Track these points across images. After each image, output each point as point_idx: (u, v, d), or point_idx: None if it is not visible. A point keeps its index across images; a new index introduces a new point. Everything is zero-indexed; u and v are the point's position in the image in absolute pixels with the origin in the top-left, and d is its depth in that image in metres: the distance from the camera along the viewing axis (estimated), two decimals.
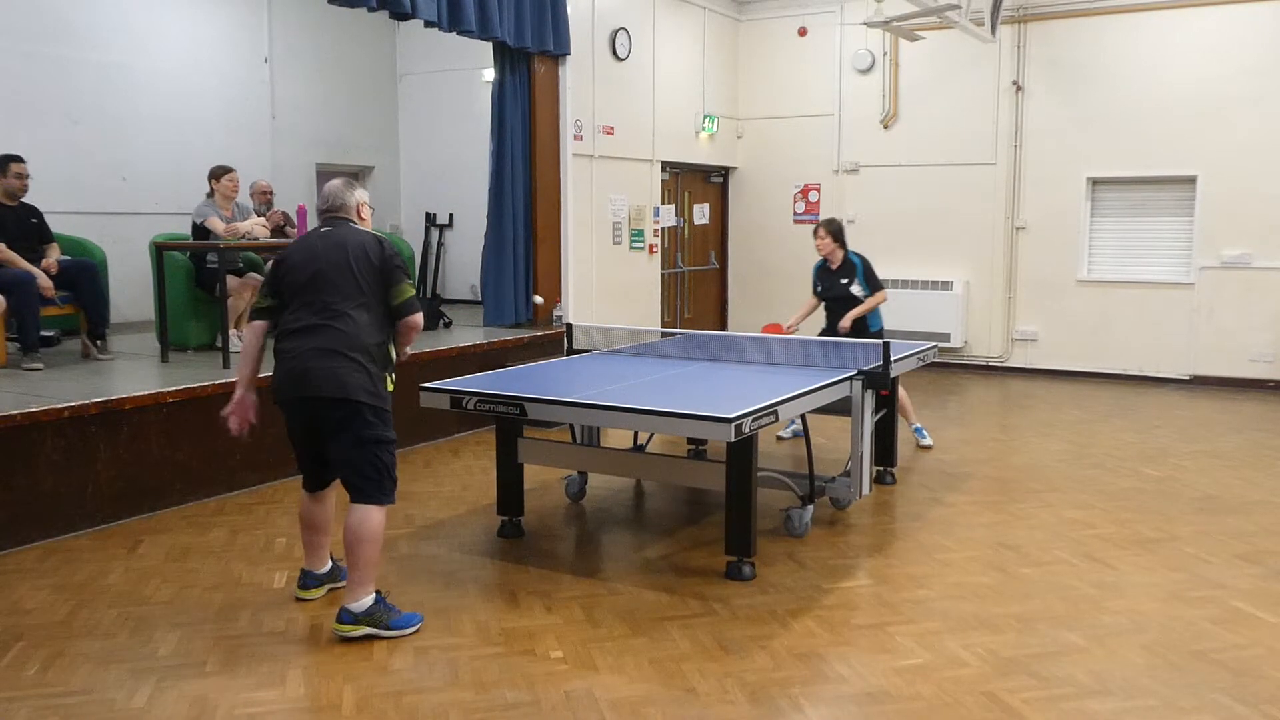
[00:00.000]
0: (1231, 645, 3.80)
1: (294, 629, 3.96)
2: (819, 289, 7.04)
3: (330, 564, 4.32)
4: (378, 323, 3.95)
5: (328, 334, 3.86)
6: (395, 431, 4.00)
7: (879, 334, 6.83)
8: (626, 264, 9.80)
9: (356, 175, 11.59)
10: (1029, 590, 4.38)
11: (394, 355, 4.05)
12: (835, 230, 6.87)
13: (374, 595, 3.90)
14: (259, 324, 4.08)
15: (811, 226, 10.89)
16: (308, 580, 4.28)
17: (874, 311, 6.88)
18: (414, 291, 4.03)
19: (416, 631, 3.92)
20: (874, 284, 6.85)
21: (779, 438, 7.19)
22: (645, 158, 9.99)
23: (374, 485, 3.89)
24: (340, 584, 4.23)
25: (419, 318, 4.03)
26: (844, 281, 6.84)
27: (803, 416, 5.19)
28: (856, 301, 6.79)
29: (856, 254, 6.95)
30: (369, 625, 3.85)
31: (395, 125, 11.81)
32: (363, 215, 4.17)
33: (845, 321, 6.74)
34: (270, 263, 4.17)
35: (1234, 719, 3.25)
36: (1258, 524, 5.30)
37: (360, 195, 4.18)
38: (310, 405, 3.88)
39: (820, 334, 7.05)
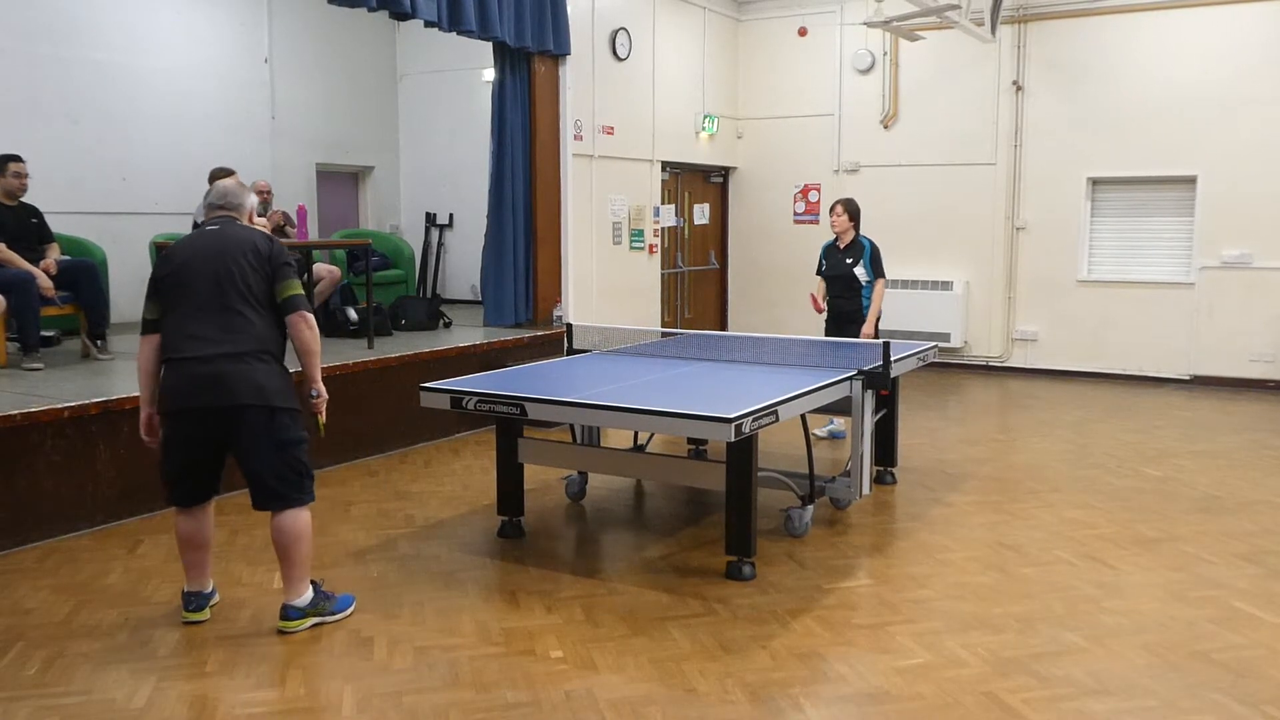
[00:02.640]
0: (1231, 645, 3.80)
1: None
2: (823, 267, 7.11)
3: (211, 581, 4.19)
4: (275, 321, 3.89)
5: (234, 336, 3.76)
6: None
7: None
8: (626, 264, 9.80)
9: (356, 175, 11.61)
10: (1029, 590, 4.38)
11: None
12: (853, 210, 7.03)
13: (312, 587, 3.97)
14: (154, 338, 3.88)
15: (807, 226, 11.19)
16: (201, 602, 4.05)
17: (870, 296, 6.98)
18: (301, 290, 3.94)
19: (353, 612, 4.06)
20: (877, 270, 6.96)
21: (816, 435, 7.11)
22: (645, 158, 9.98)
23: (297, 488, 3.88)
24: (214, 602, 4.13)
25: (309, 314, 3.90)
26: (849, 261, 6.96)
27: (803, 417, 5.17)
28: (856, 281, 6.91)
29: (867, 238, 7.07)
30: (315, 616, 3.94)
31: (395, 125, 11.81)
32: (252, 221, 4.11)
33: (868, 328, 6.87)
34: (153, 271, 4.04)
35: (1234, 719, 3.25)
36: (1258, 524, 5.30)
37: (253, 201, 4.14)
38: (216, 414, 3.77)
39: (826, 319, 7.15)
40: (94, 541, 5.03)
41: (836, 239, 7.10)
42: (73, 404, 5.12)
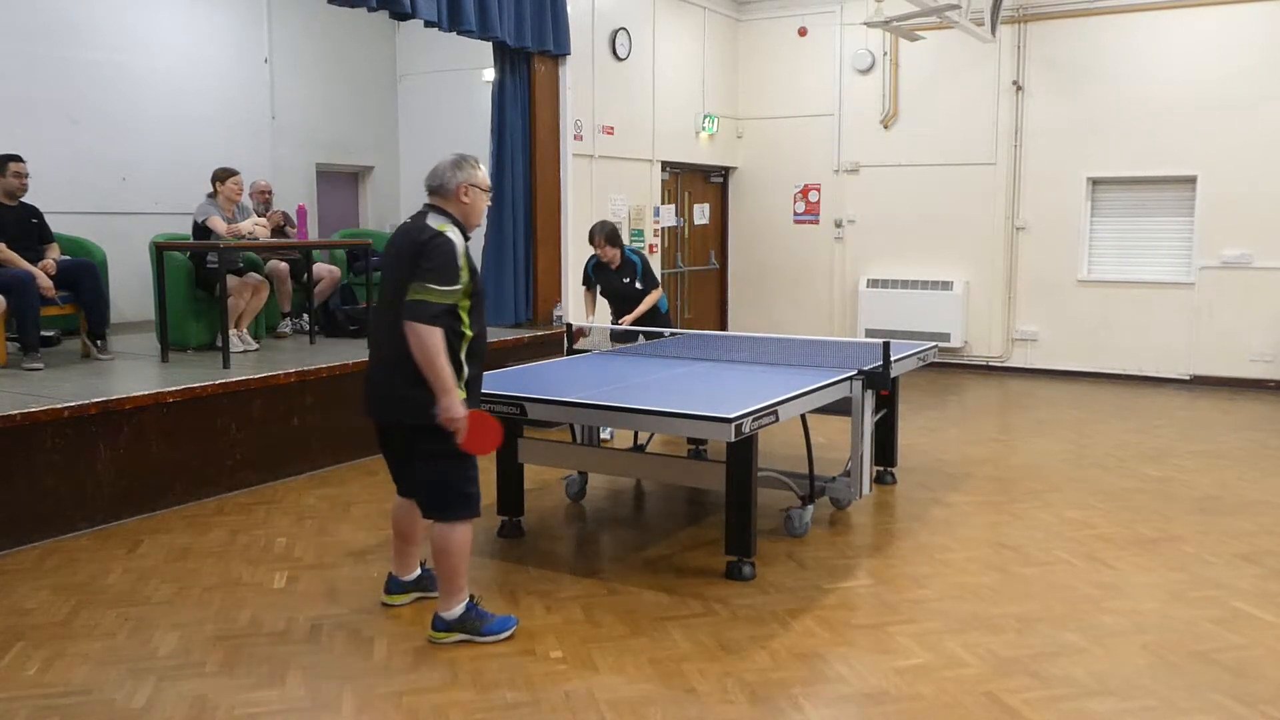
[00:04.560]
0: (1231, 645, 3.80)
1: (294, 629, 3.96)
2: (600, 285, 7.19)
3: (419, 571, 4.22)
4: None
5: (389, 342, 3.66)
6: None
7: (667, 317, 7.28)
8: None
9: (356, 175, 11.60)
10: (1029, 590, 4.38)
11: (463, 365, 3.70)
12: (610, 235, 7.01)
13: (466, 602, 3.84)
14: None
15: (807, 226, 11.20)
16: (391, 585, 4.20)
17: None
18: (432, 297, 3.54)
19: (511, 636, 3.85)
20: (650, 281, 7.10)
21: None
22: (645, 158, 9.99)
23: (440, 505, 3.81)
24: (431, 594, 4.12)
25: (418, 327, 3.51)
26: (626, 280, 7.06)
27: (803, 417, 5.18)
28: (639, 294, 7.03)
29: (634, 251, 7.19)
30: (462, 632, 3.80)
31: (395, 125, 11.79)
32: (464, 199, 3.80)
33: (627, 320, 6.99)
34: None
35: (1234, 719, 3.25)
36: (1258, 524, 5.30)
37: (466, 176, 3.79)
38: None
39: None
40: (94, 541, 5.03)
41: (605, 260, 7.07)
42: (72, 404, 5.12)
